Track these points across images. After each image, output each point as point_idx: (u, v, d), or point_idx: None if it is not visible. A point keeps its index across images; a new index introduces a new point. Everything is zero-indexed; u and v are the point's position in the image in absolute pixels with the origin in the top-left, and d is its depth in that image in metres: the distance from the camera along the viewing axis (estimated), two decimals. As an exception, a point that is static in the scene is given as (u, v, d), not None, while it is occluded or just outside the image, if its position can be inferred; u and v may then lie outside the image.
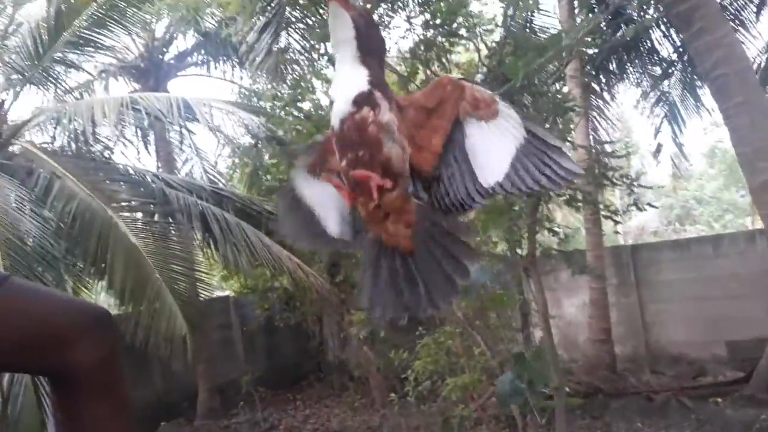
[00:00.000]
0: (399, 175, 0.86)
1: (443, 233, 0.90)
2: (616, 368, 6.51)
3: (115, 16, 6.00)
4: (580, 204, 4.58)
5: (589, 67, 7.44)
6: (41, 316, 0.88)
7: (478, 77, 4.73)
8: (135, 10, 6.10)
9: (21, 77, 6.16)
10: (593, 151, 5.70)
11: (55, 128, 6.17)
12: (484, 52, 4.56)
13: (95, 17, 5.90)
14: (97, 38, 6.12)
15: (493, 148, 0.87)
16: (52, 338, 0.87)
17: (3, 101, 6.16)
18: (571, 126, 5.06)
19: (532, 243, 3.93)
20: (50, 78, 6.37)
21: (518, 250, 4.11)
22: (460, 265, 0.88)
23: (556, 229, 4.13)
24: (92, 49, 6.34)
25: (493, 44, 4.48)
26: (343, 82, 0.86)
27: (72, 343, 0.86)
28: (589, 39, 6.60)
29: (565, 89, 6.36)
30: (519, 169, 0.86)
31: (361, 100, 0.84)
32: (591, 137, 7.41)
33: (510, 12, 5.07)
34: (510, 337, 4.24)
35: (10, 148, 5.91)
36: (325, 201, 0.95)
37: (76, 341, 0.86)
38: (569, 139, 4.89)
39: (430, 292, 0.88)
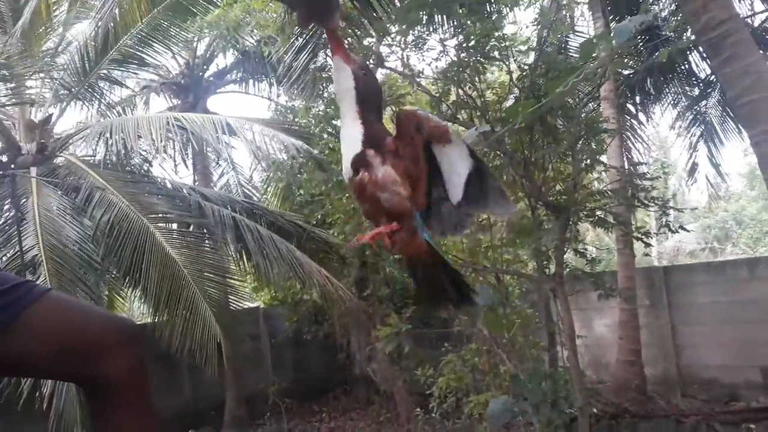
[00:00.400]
0: (401, 216, 0.98)
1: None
2: (645, 390, 6.40)
3: (158, 35, 6.24)
4: (611, 225, 4.58)
5: (624, 88, 7.42)
6: (77, 328, 0.96)
7: (511, 99, 4.78)
8: (178, 29, 6.35)
9: (68, 93, 6.43)
10: (626, 171, 5.68)
11: (98, 142, 6.43)
12: (517, 73, 4.62)
13: (140, 36, 6.15)
14: (141, 56, 6.38)
15: (453, 169, 1.00)
16: (86, 348, 0.94)
17: (51, 115, 6.45)
18: (604, 146, 5.07)
19: (560, 263, 3.95)
20: (95, 94, 6.64)
21: (546, 270, 4.12)
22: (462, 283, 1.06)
23: (583, 250, 4.13)
24: (136, 66, 6.60)
25: (526, 66, 4.54)
26: (344, 143, 0.98)
27: (104, 353, 0.94)
28: (624, 60, 6.61)
29: (600, 110, 6.37)
30: (471, 192, 0.99)
31: (357, 163, 0.97)
32: (625, 158, 7.37)
33: (544, 34, 5.12)
34: (536, 356, 4.24)
35: (56, 160, 6.17)
36: None
37: (108, 352, 0.94)
38: (601, 159, 4.90)
39: (448, 293, 1.05)
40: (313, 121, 6.11)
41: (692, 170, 8.82)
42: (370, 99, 0.98)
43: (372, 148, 0.96)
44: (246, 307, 9.65)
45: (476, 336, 4.94)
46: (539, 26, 4.86)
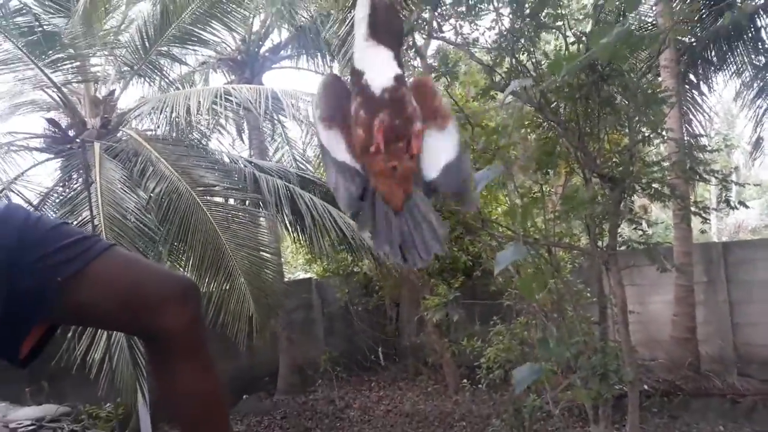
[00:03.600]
0: (419, 149, 0.95)
1: (423, 204, 1.00)
2: (700, 368, 6.27)
3: (216, 13, 6.37)
4: (667, 198, 4.46)
5: (685, 56, 7.14)
6: (139, 281, 0.99)
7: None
8: (235, 5, 6.46)
9: (130, 69, 6.66)
10: (685, 144, 5.50)
11: (158, 117, 6.64)
12: (573, 42, 4.52)
13: (198, 13, 6.29)
14: (199, 33, 6.52)
15: (438, 149, 0.98)
16: (147, 301, 0.98)
17: (113, 91, 6.71)
18: (663, 117, 4.92)
19: (613, 236, 3.89)
20: (155, 70, 6.84)
21: (598, 243, 4.07)
22: (436, 232, 0.99)
23: (639, 220, 4.05)
24: (194, 44, 6.77)
25: (582, 34, 4.43)
26: (376, 58, 0.92)
27: (163, 307, 0.98)
28: (686, 26, 6.35)
29: (659, 79, 6.16)
30: (445, 177, 0.98)
31: (399, 81, 0.92)
32: (684, 130, 7.12)
33: (600, 1, 4.97)
34: (586, 330, 4.21)
35: (117, 134, 6.43)
36: (339, 155, 1.00)
37: (167, 306, 0.98)
38: (660, 131, 4.76)
39: (416, 247, 0.98)
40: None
41: (757, 144, 8.44)
42: (390, 30, 0.93)
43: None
44: (300, 278, 9.92)
45: (526, 310, 4.94)
46: (596, -6, 4.71)
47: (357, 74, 0.90)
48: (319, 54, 8.67)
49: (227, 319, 5.17)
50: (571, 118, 4.07)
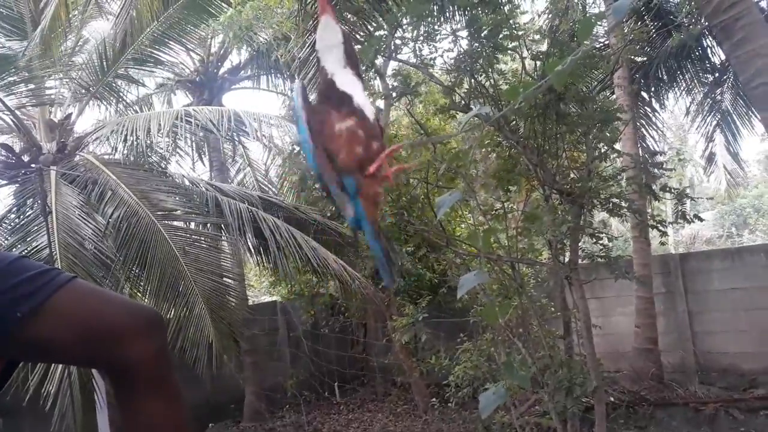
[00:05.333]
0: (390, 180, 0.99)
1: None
2: (663, 378, 6.39)
3: (174, 34, 6.31)
4: (624, 213, 4.57)
5: (638, 75, 7.38)
6: (101, 314, 0.98)
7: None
8: (193, 27, 6.42)
9: (86, 92, 6.53)
10: (640, 159, 5.66)
11: (116, 140, 6.52)
12: (530, 61, 4.63)
13: (156, 34, 6.22)
14: (158, 54, 6.45)
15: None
16: (110, 334, 0.96)
17: (70, 114, 6.55)
18: (618, 134, 5.06)
19: (574, 251, 3.96)
20: (113, 92, 6.73)
21: (560, 258, 4.14)
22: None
23: (598, 235, 4.14)
24: (152, 65, 6.68)
25: (539, 54, 4.54)
26: (357, 87, 0.97)
27: (127, 339, 0.96)
28: (637, 46, 6.57)
29: (613, 97, 6.34)
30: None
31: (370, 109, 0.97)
32: (639, 145, 7.33)
33: (556, 22, 5.11)
34: (551, 345, 4.25)
35: (74, 159, 6.28)
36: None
37: (130, 338, 0.96)
38: (615, 147, 4.90)
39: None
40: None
41: (710, 159, 8.76)
42: (353, 58, 1.00)
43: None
44: (264, 301, 9.78)
45: (492, 326, 4.97)
46: (551, 14, 4.86)
47: (345, 96, 0.93)
48: (279, 74, 8.67)
49: (186, 345, 5.04)
50: (529, 136, 4.15)
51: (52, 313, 0.93)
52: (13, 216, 5.80)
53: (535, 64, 4.40)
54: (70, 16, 6.36)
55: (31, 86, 5.99)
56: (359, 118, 0.94)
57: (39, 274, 0.95)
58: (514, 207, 5.33)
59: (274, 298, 9.38)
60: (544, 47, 4.63)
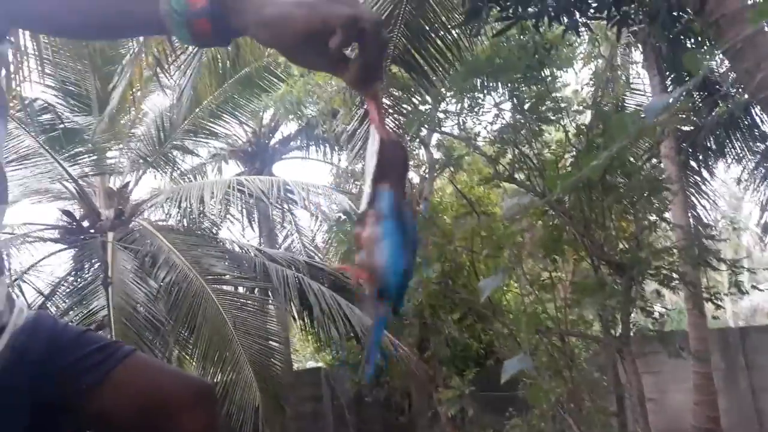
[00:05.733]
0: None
1: None
2: (726, 461, 5.99)
3: (228, 107, 6.67)
4: (677, 285, 4.44)
5: (685, 145, 7.31)
6: (159, 387, 1.04)
7: (568, 157, 4.81)
8: (245, 101, 6.77)
9: (144, 161, 6.89)
10: (691, 230, 5.54)
11: (169, 206, 6.80)
12: (573, 131, 4.66)
13: (211, 107, 6.58)
14: (212, 126, 6.81)
15: None
16: (166, 408, 1.02)
17: (128, 183, 6.90)
18: (667, 204, 4.98)
19: (626, 324, 3.85)
20: (168, 162, 7.08)
21: (612, 331, 4.02)
22: None
23: (650, 308, 4.02)
24: (207, 136, 7.04)
25: (583, 126, 4.58)
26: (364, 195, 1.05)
27: (182, 411, 1.01)
28: (683, 117, 6.55)
29: (660, 166, 6.28)
30: None
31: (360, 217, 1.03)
32: (690, 215, 7.17)
33: (599, 93, 5.18)
34: (604, 422, 4.07)
35: (130, 225, 6.56)
36: None
37: (185, 410, 1.02)
38: (665, 217, 4.81)
39: None
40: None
41: (765, 228, 8.47)
42: (391, 166, 1.05)
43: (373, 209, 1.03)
44: (308, 367, 9.74)
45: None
46: (594, 86, 4.92)
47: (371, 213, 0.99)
48: (327, 145, 8.96)
49: (232, 410, 5.04)
50: (575, 206, 4.13)
51: (113, 386, 0.99)
52: (71, 279, 6.05)
53: (579, 137, 4.44)
54: (133, 90, 6.80)
55: (94, 156, 6.36)
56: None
57: (102, 347, 1.01)
58: (563, 277, 5.25)
59: (319, 364, 9.32)
60: (587, 119, 4.67)
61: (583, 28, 4.05)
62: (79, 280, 5.92)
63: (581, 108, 5.27)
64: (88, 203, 6.52)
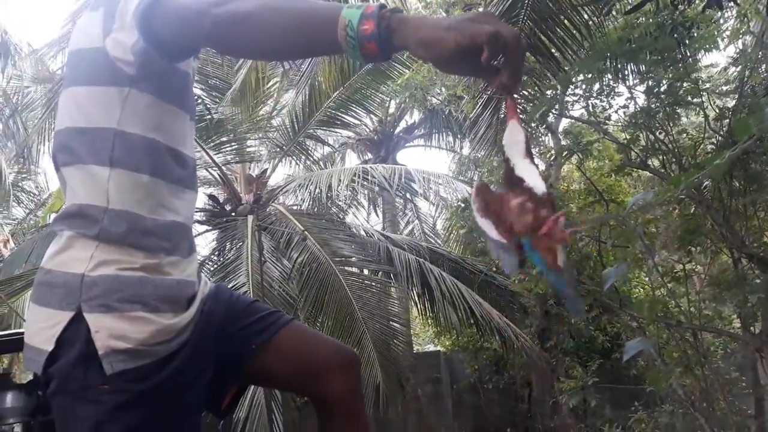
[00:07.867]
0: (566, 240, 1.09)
1: None
2: None
3: (357, 98, 6.95)
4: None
5: None
6: (314, 351, 1.21)
7: (707, 143, 4.51)
8: (373, 91, 7.02)
9: (280, 150, 7.38)
10: None
11: (302, 192, 7.22)
12: (713, 115, 4.38)
13: (341, 99, 6.90)
14: (342, 117, 7.14)
15: None
16: (318, 370, 1.19)
17: (266, 170, 7.42)
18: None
19: (767, 320, 3.59)
20: (302, 150, 7.53)
21: (751, 328, 3.77)
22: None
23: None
24: (337, 126, 7.39)
25: (726, 109, 4.28)
26: (533, 172, 1.11)
27: (332, 374, 1.18)
28: None
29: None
30: None
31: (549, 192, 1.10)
32: None
33: (746, 74, 4.77)
34: (741, 424, 3.83)
35: (267, 209, 7.06)
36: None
37: (335, 373, 1.18)
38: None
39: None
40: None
41: None
42: (530, 150, 1.14)
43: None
44: (428, 351, 9.94)
45: (671, 397, 4.60)
46: (740, 67, 4.56)
47: (518, 180, 1.08)
48: (450, 132, 9.03)
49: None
50: (714, 196, 3.90)
51: (276, 347, 1.17)
52: (215, 258, 6.65)
53: (720, 123, 4.16)
54: (265, 86, 7.25)
55: (236, 146, 6.91)
56: (530, 194, 1.07)
57: (268, 314, 1.21)
58: (698, 269, 4.95)
59: (438, 348, 9.48)
60: (730, 103, 4.35)
61: (730, 2, 3.75)
62: (221, 259, 6.49)
63: (725, 90, 4.90)
64: (231, 189, 7.09)
